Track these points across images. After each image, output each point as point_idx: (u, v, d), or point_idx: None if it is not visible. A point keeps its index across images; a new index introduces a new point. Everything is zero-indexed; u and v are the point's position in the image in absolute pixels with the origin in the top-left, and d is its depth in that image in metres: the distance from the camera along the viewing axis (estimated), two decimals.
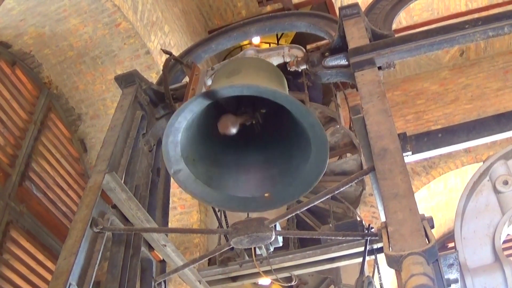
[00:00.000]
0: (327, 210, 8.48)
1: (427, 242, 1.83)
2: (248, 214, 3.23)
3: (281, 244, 2.99)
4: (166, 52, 3.57)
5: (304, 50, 3.36)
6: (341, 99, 10.90)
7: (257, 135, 2.97)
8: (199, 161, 2.87)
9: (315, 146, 2.67)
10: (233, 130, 2.65)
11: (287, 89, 3.15)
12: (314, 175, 2.76)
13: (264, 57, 3.39)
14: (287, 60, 3.40)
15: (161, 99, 3.49)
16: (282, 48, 3.42)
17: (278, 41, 11.69)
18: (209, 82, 3.46)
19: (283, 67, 3.38)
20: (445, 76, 11.77)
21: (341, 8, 3.15)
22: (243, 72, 2.95)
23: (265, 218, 2.55)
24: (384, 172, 2.16)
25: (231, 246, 2.62)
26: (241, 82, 2.77)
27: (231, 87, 2.64)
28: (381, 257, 3.54)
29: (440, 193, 10.68)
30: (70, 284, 2.30)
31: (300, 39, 3.68)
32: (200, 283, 3.38)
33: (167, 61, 3.51)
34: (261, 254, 3.68)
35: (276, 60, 3.41)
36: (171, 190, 3.54)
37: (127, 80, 3.42)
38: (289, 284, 4.37)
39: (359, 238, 3.51)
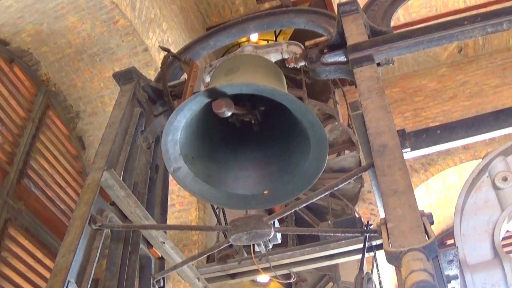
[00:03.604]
0: (325, 207, 8.48)
1: (427, 238, 1.83)
2: (246, 211, 3.24)
3: (280, 241, 2.99)
4: (164, 49, 3.56)
5: (302, 46, 3.35)
6: (339, 96, 10.90)
7: (255, 133, 2.96)
8: (198, 159, 2.86)
9: (314, 144, 2.67)
10: (227, 113, 2.58)
11: (286, 85, 3.14)
12: (314, 173, 2.75)
13: (262, 53, 3.38)
14: (286, 56, 3.39)
15: (160, 96, 3.48)
16: (280, 45, 3.41)
17: (276, 38, 11.68)
18: (207, 79, 3.45)
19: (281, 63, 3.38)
20: (443, 73, 11.78)
21: (339, 5, 3.15)
22: (241, 69, 2.94)
23: (263, 215, 2.55)
24: (383, 168, 2.15)
25: (230, 243, 2.62)
26: (239, 80, 2.76)
27: (230, 85, 2.62)
28: (380, 254, 3.54)
29: (438, 190, 10.70)
30: (68, 282, 2.29)
31: (298, 36, 3.68)
32: (198, 280, 3.38)
33: (165, 58, 3.51)
34: (260, 251, 3.67)
35: (274, 57, 3.40)
36: (170, 187, 3.54)
37: (125, 77, 3.41)
38: (288, 281, 4.37)
39: (358, 235, 3.51)
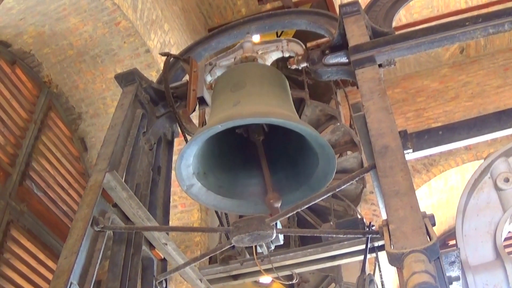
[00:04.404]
0: (327, 208, 8.48)
1: (429, 239, 1.82)
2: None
3: (282, 242, 2.99)
4: (164, 54, 3.59)
5: (302, 44, 3.36)
6: (341, 97, 10.89)
7: (263, 141, 3.00)
8: (209, 173, 2.96)
9: (322, 161, 2.76)
10: (280, 203, 2.81)
11: (290, 93, 3.18)
12: (320, 184, 2.86)
13: (262, 50, 3.39)
14: (286, 55, 3.40)
15: (162, 97, 3.48)
16: (280, 41, 3.42)
17: None
18: (208, 79, 3.45)
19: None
20: (445, 73, 11.77)
21: (341, 6, 3.15)
22: (247, 85, 2.98)
23: (266, 216, 2.55)
24: (385, 169, 2.15)
25: (232, 245, 2.61)
26: (247, 102, 2.84)
27: (242, 118, 2.69)
28: (382, 255, 3.53)
29: (440, 191, 10.68)
30: (71, 283, 2.30)
31: (300, 37, 3.68)
32: (201, 282, 3.38)
33: (166, 61, 3.52)
34: (262, 252, 3.68)
35: (275, 55, 3.41)
36: (172, 188, 3.54)
37: (127, 78, 3.42)
38: (290, 282, 4.37)
39: (360, 236, 3.50)
